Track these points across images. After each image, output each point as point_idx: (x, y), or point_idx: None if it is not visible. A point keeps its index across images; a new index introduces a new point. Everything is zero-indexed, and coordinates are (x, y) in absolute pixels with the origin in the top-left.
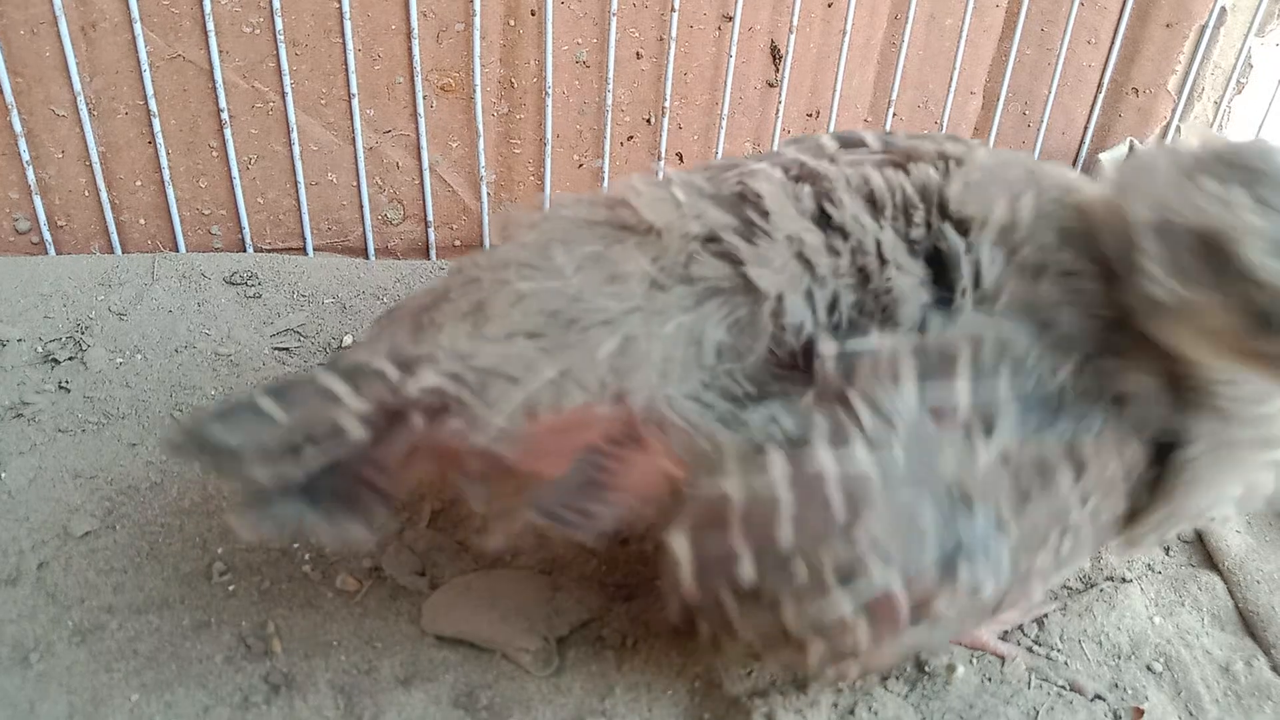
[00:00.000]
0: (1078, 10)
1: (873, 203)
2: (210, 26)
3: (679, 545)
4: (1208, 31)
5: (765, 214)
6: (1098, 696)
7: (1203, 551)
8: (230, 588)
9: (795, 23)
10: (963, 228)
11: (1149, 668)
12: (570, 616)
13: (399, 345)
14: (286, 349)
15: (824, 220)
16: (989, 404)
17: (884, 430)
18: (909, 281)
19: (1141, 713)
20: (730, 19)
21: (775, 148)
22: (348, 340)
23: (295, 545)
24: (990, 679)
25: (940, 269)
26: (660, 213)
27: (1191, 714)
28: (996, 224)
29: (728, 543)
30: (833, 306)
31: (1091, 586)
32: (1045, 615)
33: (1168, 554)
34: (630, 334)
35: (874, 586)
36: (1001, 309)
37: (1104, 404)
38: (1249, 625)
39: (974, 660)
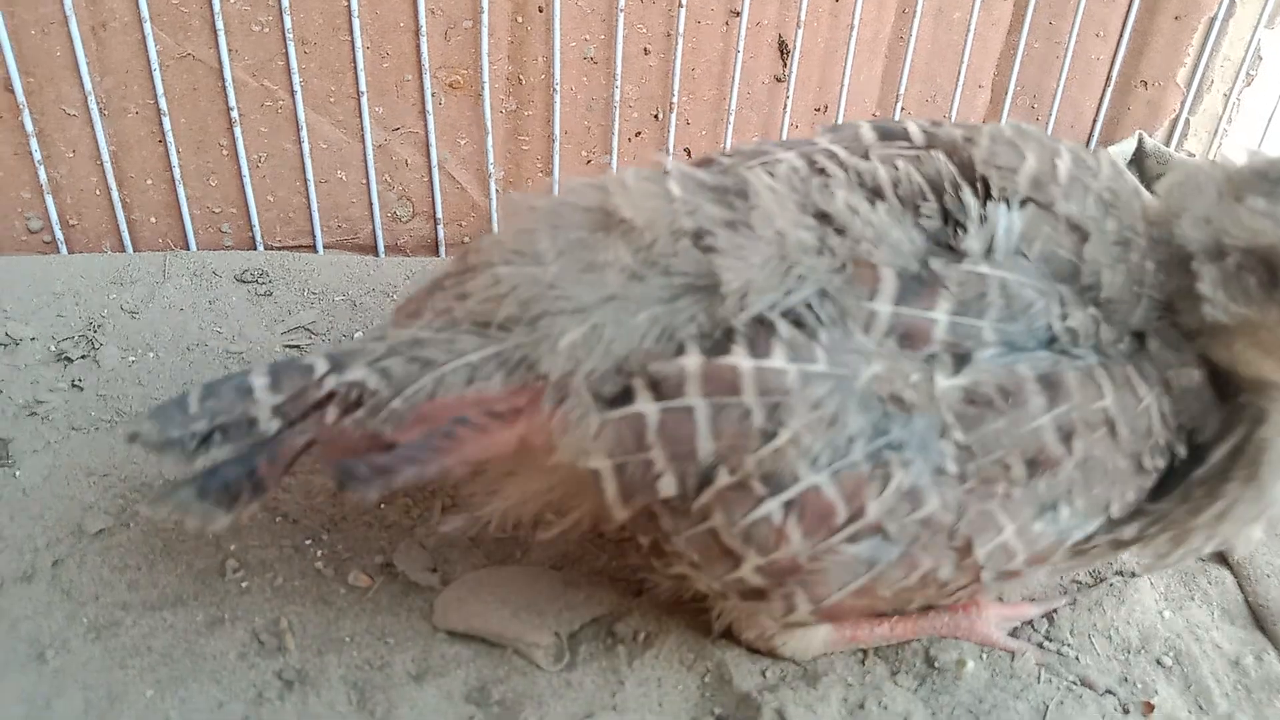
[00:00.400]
0: (1086, 3)
1: (878, 195)
2: (220, 25)
3: (601, 469)
4: (1217, 23)
5: (753, 209)
6: (1108, 691)
7: None
8: (244, 584)
9: (803, 17)
10: (987, 188)
11: (1159, 662)
12: (581, 612)
13: (350, 344)
14: (297, 346)
15: (826, 215)
16: (964, 340)
17: (803, 339)
18: (889, 255)
19: (1152, 707)
20: (738, 14)
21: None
22: (358, 336)
23: (308, 542)
24: (1000, 674)
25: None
26: (644, 209)
27: (1201, 708)
28: (1029, 174)
29: (648, 461)
30: (816, 303)
31: (1101, 581)
32: (1055, 610)
33: None
34: (599, 323)
35: (801, 486)
36: (1032, 257)
37: (1110, 349)
38: (1259, 619)
39: (984, 655)
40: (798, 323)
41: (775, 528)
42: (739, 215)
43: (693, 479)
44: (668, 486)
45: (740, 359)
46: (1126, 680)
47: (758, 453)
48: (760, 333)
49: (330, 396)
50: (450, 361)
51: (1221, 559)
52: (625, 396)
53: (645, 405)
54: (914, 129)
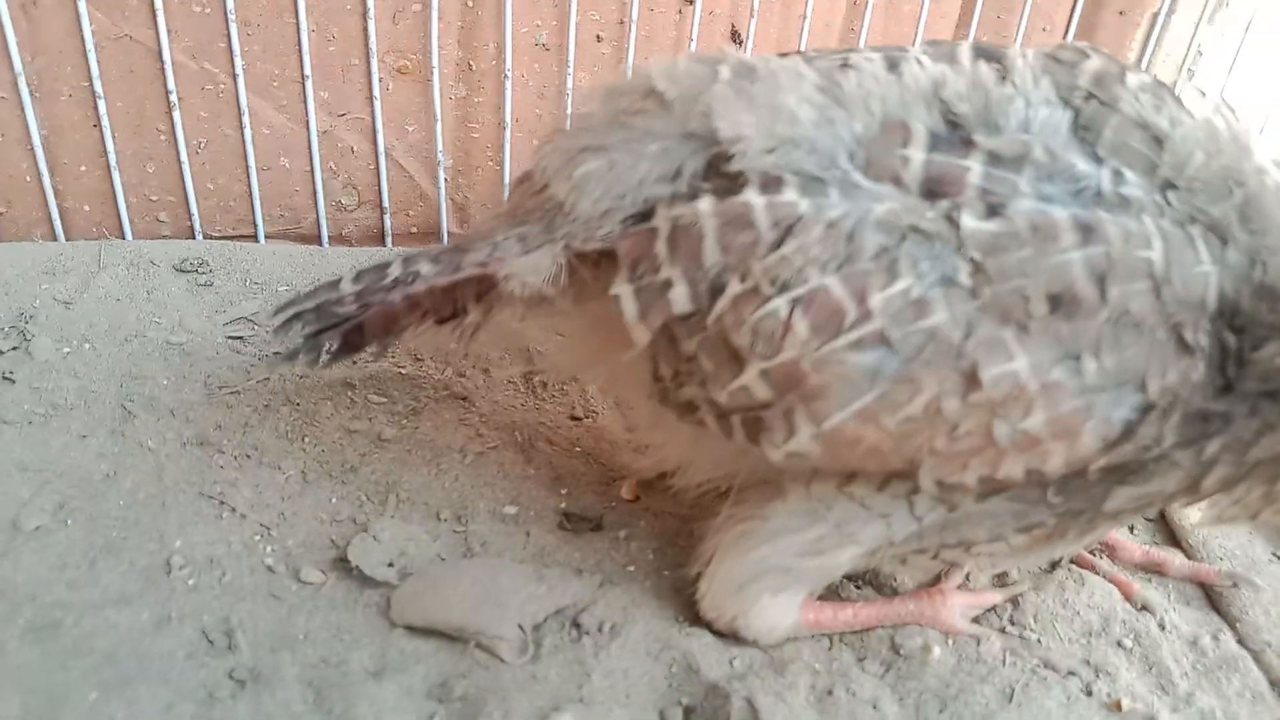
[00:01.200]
0: None
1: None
2: (158, 5)
3: (621, 292)
4: (1160, 19)
5: (761, 82)
6: (1070, 673)
7: (1166, 530)
8: (190, 582)
9: (756, 6)
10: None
11: (1119, 644)
12: (545, 604)
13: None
14: (240, 338)
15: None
16: (997, 188)
17: (817, 186)
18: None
19: (1120, 706)
20: (691, 2)
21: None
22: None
23: (257, 538)
24: (966, 659)
25: None
26: (681, 84)
27: (1163, 689)
28: (1092, 71)
29: (658, 271)
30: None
31: (1060, 565)
32: (1019, 596)
33: (1131, 532)
34: (616, 159)
35: (810, 285)
36: (1101, 147)
37: (1175, 216)
38: (1213, 601)
39: (950, 641)
40: (810, 178)
41: (782, 321)
42: (748, 87)
43: (704, 290)
44: (680, 299)
45: (752, 196)
46: (1088, 663)
47: (765, 259)
48: (771, 180)
49: (395, 282)
50: (479, 243)
51: (1175, 542)
52: (639, 219)
53: (658, 222)
54: (1014, 53)
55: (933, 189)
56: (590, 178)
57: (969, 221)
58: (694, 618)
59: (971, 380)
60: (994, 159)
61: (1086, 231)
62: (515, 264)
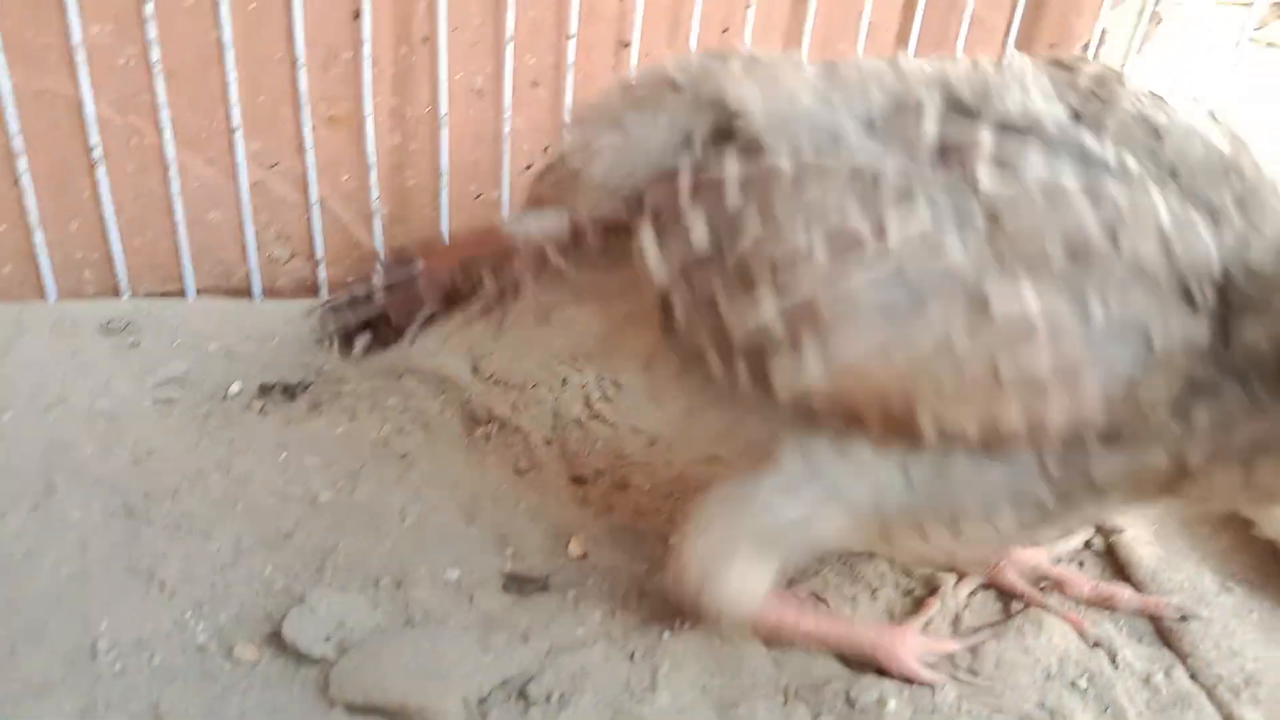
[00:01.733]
0: (967, 31)
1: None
2: (79, 58)
3: (644, 235)
4: (1090, 50)
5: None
6: (1025, 719)
7: (1114, 564)
8: (117, 666)
9: (692, 48)
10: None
11: (1073, 684)
12: (491, 674)
13: None
14: (169, 400)
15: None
16: (1009, 156)
17: (832, 144)
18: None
19: None
20: (627, 45)
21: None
22: (235, 388)
23: (188, 615)
24: (921, 710)
25: None
26: (693, 75)
27: None
28: (1093, 73)
29: (680, 214)
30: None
31: (1016, 614)
32: (979, 644)
33: (1080, 567)
34: (631, 131)
35: (829, 224)
36: (1106, 138)
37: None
38: (1164, 636)
39: (904, 693)
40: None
41: (802, 250)
42: (756, 70)
43: (725, 230)
44: (700, 240)
45: (781, 160)
46: (1043, 706)
47: (788, 201)
48: (791, 144)
49: (416, 275)
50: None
51: (1124, 576)
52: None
53: (681, 175)
54: (1010, 54)
55: (947, 156)
56: (605, 149)
57: (985, 183)
58: (647, 684)
59: (982, 317)
60: (1005, 128)
61: (1096, 196)
62: (523, 221)
